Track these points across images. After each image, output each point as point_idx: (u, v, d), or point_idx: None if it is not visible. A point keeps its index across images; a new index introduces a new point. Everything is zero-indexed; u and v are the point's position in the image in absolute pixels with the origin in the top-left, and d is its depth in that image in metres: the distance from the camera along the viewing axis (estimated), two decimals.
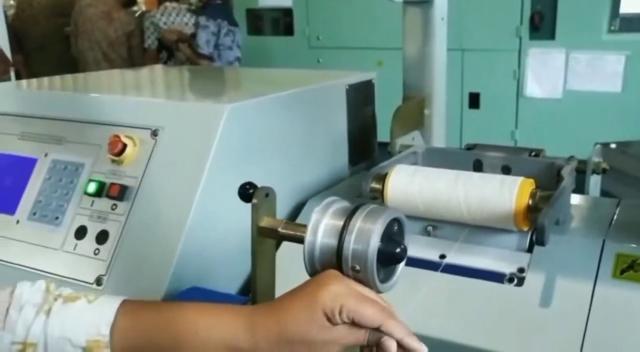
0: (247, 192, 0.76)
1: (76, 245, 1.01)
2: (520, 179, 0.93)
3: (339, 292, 0.62)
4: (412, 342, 0.61)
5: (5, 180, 1.15)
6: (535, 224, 0.85)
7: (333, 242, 0.67)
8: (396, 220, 0.70)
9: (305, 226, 0.69)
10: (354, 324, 0.61)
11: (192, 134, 1.00)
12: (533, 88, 3.84)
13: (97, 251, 0.99)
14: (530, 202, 0.91)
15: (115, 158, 1.02)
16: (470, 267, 0.93)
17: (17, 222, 1.09)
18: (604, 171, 1.14)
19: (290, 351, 0.61)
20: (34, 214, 1.08)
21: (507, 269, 0.91)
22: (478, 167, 1.13)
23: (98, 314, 0.62)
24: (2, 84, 1.34)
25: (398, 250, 0.69)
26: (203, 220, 0.96)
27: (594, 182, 1.11)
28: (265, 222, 0.75)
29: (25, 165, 1.13)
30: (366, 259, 0.66)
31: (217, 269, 0.98)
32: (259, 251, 0.76)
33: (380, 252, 0.66)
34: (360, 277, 0.66)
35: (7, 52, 3.60)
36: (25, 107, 1.19)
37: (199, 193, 0.95)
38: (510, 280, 0.90)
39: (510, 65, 3.89)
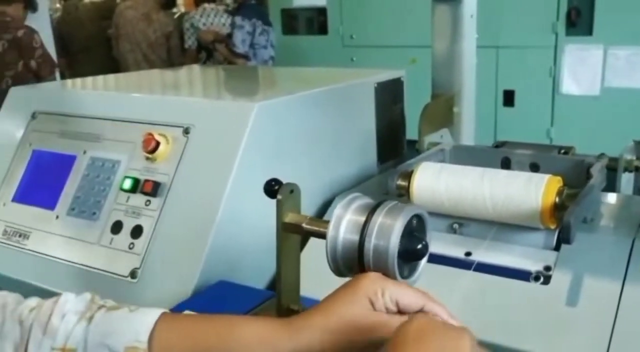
0: (272, 188, 0.78)
1: (112, 239, 1.05)
2: (547, 176, 0.92)
3: (379, 278, 0.64)
4: (456, 325, 0.61)
5: (46, 176, 1.20)
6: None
7: (355, 237, 0.69)
8: (418, 216, 0.71)
9: (328, 222, 0.71)
10: (397, 312, 0.62)
11: (222, 132, 1.03)
12: (569, 85, 3.77)
13: (131, 245, 1.03)
14: (557, 200, 0.90)
15: (149, 155, 1.06)
16: (496, 265, 0.93)
17: (57, 217, 1.13)
18: (637, 169, 1.12)
19: (336, 341, 0.61)
20: (73, 209, 1.12)
21: (533, 267, 0.91)
22: (506, 164, 1.13)
23: (138, 322, 0.62)
24: (44, 85, 1.39)
25: (419, 246, 0.70)
26: (232, 216, 0.98)
27: (627, 181, 1.10)
28: (289, 218, 0.77)
29: (65, 162, 1.17)
30: (387, 255, 0.67)
31: (246, 264, 1.00)
32: (284, 246, 0.78)
33: (401, 249, 0.68)
34: (382, 273, 0.67)
35: (53, 55, 3.73)
36: (65, 107, 1.24)
37: (228, 189, 0.98)
38: (537, 278, 0.90)
39: (546, 62, 3.82)
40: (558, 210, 0.90)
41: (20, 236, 1.15)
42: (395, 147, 1.41)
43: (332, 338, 0.61)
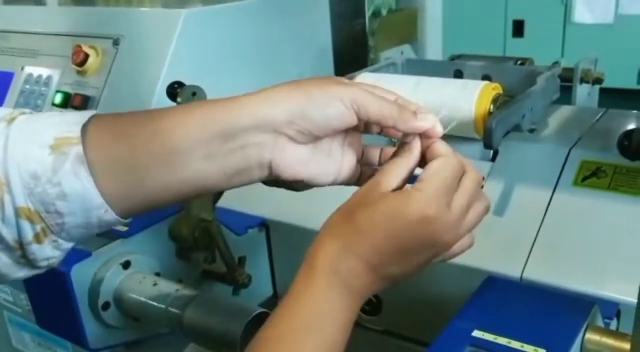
0: (174, 90, 0.74)
1: None
2: (483, 83, 0.86)
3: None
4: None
5: None
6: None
7: None
8: None
9: None
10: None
11: (150, 42, 0.99)
12: (582, 13, 3.57)
13: None
14: (492, 107, 0.84)
15: (79, 68, 1.02)
16: None
17: None
18: (598, 81, 1.05)
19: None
20: None
21: None
22: (458, 77, 1.07)
23: (69, 117, 0.51)
24: None
25: None
26: None
27: (583, 93, 1.03)
28: None
29: (5, 79, 1.15)
30: None
31: None
32: None
33: None
34: None
35: None
36: (5, 23, 1.20)
37: (155, 103, 0.94)
38: None
39: None
40: None
41: None
42: (356, 66, 1.34)
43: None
